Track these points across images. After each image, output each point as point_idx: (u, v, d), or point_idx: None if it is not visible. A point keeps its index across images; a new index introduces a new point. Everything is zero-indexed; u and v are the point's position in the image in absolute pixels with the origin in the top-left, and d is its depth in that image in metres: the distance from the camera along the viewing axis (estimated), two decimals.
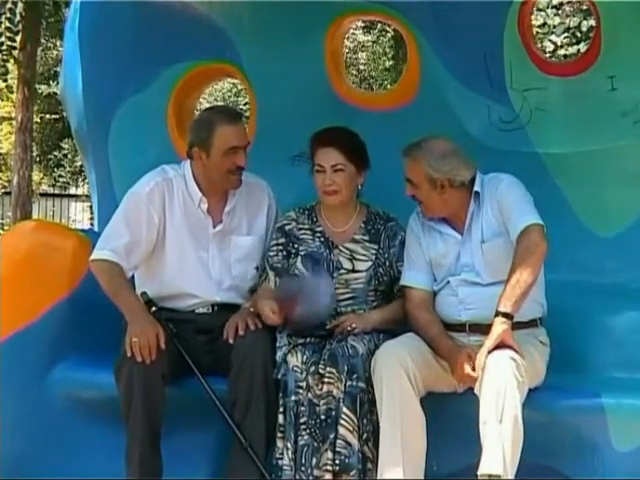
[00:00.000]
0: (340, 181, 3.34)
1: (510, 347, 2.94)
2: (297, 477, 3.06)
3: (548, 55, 9.43)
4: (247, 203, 3.49)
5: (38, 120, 15.39)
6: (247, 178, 3.47)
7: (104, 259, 3.32)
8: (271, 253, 3.42)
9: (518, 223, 3.11)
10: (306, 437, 3.07)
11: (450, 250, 3.25)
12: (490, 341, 2.93)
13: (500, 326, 2.94)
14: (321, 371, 3.11)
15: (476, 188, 3.24)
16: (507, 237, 3.17)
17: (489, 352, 2.92)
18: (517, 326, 3.03)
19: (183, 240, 3.39)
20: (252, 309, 3.33)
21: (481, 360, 2.92)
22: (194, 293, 3.40)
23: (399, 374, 3.01)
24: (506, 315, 2.95)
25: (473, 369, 2.97)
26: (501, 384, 2.84)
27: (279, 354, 3.21)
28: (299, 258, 3.38)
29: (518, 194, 3.21)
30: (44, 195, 17.46)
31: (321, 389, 3.10)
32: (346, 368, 3.08)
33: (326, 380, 3.09)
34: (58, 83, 5.91)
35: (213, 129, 3.33)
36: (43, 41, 12.71)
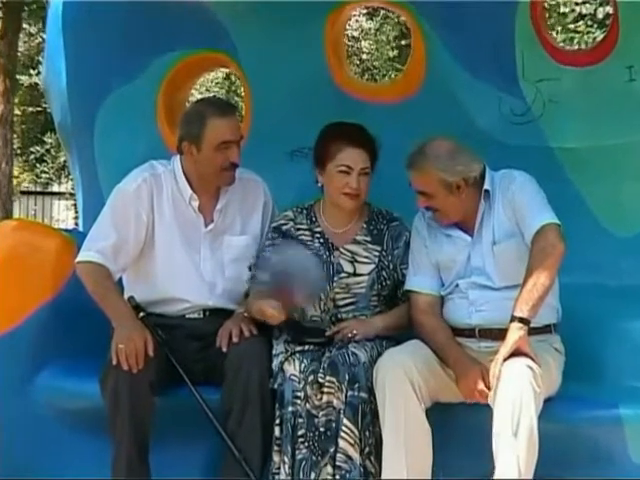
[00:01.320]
0: (364, 185, 3.34)
1: (526, 355, 2.94)
2: None
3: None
4: (241, 201, 3.49)
5: (19, 113, 15.37)
6: (241, 174, 3.47)
7: (90, 261, 3.32)
8: (266, 254, 3.42)
9: (533, 223, 3.11)
10: (304, 451, 3.07)
11: (459, 253, 3.25)
12: (505, 348, 2.93)
13: (516, 332, 2.94)
14: (320, 380, 3.11)
15: (486, 186, 3.23)
16: (520, 238, 3.17)
17: (504, 360, 2.92)
18: (531, 332, 3.01)
19: (173, 240, 3.40)
20: (246, 314, 3.33)
21: (495, 369, 2.92)
22: (185, 297, 3.40)
23: (403, 383, 3.01)
24: (522, 320, 2.95)
25: (486, 386, 2.97)
26: (517, 394, 2.84)
27: (275, 362, 3.21)
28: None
29: (532, 192, 3.20)
30: (25, 193, 17.44)
31: (320, 399, 3.10)
32: (347, 377, 3.08)
33: (326, 390, 3.09)
34: (40, 73, 5.90)
35: (204, 122, 3.33)
36: (26, 26, 12.70)
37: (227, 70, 10.88)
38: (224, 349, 3.24)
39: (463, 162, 3.19)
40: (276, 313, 3.20)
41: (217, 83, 13.93)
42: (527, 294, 2.97)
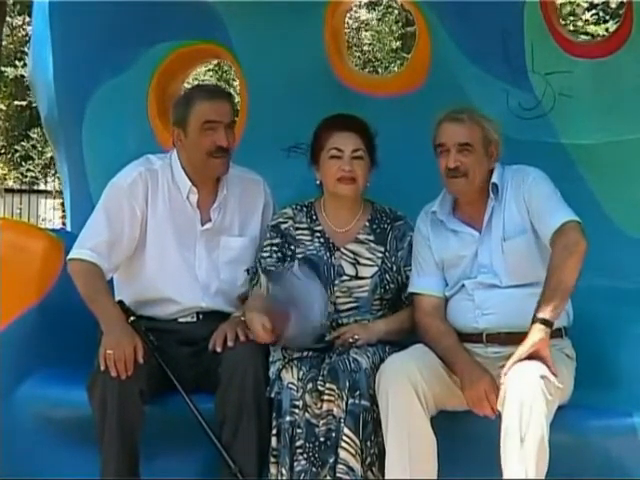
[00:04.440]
0: (358, 170, 3.34)
1: (544, 359, 2.93)
2: None
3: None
4: (239, 200, 3.49)
5: (3, 107, 15.38)
6: (241, 172, 3.49)
7: (82, 259, 3.32)
8: (264, 254, 3.42)
9: (552, 221, 3.12)
10: (303, 462, 3.06)
11: (467, 249, 3.25)
12: (524, 348, 2.92)
13: (537, 334, 2.93)
14: (320, 388, 3.10)
15: (494, 180, 3.25)
16: (530, 235, 3.18)
17: (520, 360, 2.92)
18: None
19: (166, 238, 3.39)
20: (243, 318, 3.32)
21: (506, 368, 2.91)
22: (177, 298, 3.40)
23: (407, 390, 3.01)
24: (545, 322, 2.95)
25: (496, 398, 2.96)
26: (526, 400, 2.83)
27: (272, 370, 3.20)
28: (296, 262, 3.37)
29: (548, 190, 3.22)
30: (10, 191, 17.44)
31: (320, 408, 3.09)
32: (348, 384, 3.07)
33: (325, 398, 3.09)
34: (26, 65, 5.89)
35: (190, 104, 3.35)
36: (9, 19, 12.70)
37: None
38: (218, 349, 3.23)
39: (499, 131, 3.26)
40: (262, 333, 3.18)
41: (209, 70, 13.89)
42: (550, 294, 2.97)
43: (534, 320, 2.95)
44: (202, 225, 3.43)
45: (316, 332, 3.22)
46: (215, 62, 12.85)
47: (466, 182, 3.23)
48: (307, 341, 3.22)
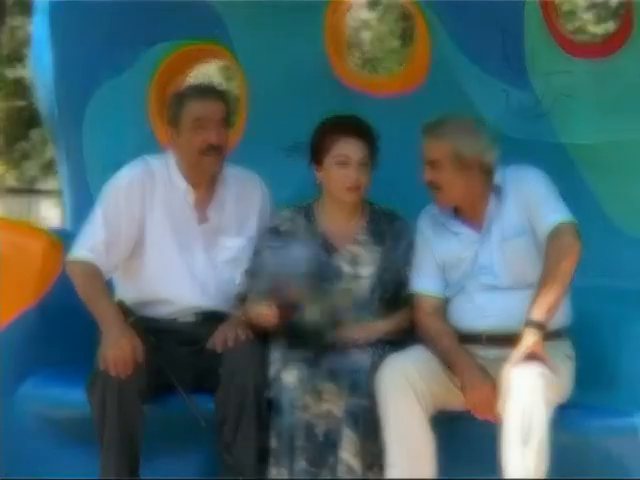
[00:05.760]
0: (364, 177, 3.34)
1: (542, 360, 2.92)
2: None
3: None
4: (237, 199, 3.50)
5: (3, 107, 15.37)
6: (239, 173, 3.49)
7: (81, 260, 3.33)
8: (262, 260, 3.39)
9: (547, 221, 3.12)
10: (302, 462, 3.07)
11: (466, 250, 3.25)
12: (519, 352, 2.92)
13: (530, 337, 2.92)
14: (320, 388, 3.10)
15: (496, 181, 3.24)
16: (529, 237, 3.18)
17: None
18: None
19: (164, 238, 3.40)
20: (244, 317, 3.32)
21: (507, 376, 2.91)
22: (176, 298, 3.40)
23: (405, 390, 3.01)
24: (537, 325, 2.94)
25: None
26: (527, 402, 2.82)
27: (272, 370, 3.20)
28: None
29: (546, 189, 3.21)
30: (10, 190, 17.43)
31: (320, 408, 3.09)
32: (348, 384, 3.08)
33: (325, 397, 3.09)
34: (26, 65, 5.89)
35: (181, 104, 3.37)
36: (8, 19, 12.70)
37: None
38: (219, 349, 3.23)
39: (480, 142, 3.20)
40: (270, 312, 3.18)
41: None
42: (542, 297, 2.96)
43: (527, 323, 2.95)
44: (200, 225, 3.43)
45: (313, 280, 3.22)
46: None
47: (442, 195, 3.23)
48: (311, 293, 3.23)
